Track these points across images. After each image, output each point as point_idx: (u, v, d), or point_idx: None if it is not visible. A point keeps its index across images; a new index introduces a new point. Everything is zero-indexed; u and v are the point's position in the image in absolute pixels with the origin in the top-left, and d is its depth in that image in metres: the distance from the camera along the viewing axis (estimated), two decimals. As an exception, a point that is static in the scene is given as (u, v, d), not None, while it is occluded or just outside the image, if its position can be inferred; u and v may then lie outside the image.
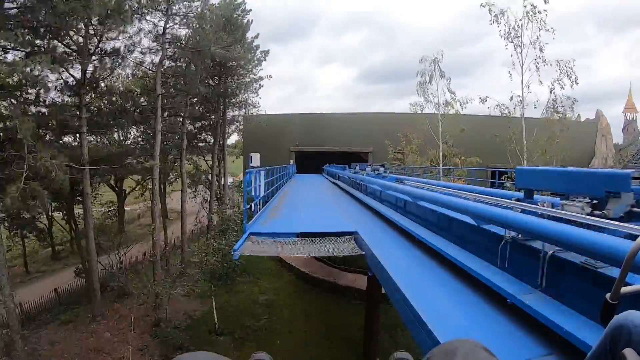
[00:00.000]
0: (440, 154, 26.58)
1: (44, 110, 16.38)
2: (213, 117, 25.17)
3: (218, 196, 31.99)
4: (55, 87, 16.53)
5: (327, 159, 38.98)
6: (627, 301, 1.23)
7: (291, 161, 33.84)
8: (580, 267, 3.05)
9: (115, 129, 23.77)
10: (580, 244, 2.70)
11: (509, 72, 20.15)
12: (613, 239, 2.54)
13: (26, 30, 12.97)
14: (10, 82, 13.54)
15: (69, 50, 15.78)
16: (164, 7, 18.02)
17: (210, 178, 29.38)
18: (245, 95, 27.43)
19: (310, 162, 41.68)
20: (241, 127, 33.68)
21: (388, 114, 37.91)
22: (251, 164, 33.08)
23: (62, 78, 16.64)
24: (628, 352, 0.97)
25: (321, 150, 37.66)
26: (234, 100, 26.16)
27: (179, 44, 19.90)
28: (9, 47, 12.79)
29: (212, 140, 27.20)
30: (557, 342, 2.84)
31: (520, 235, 3.79)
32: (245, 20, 25.10)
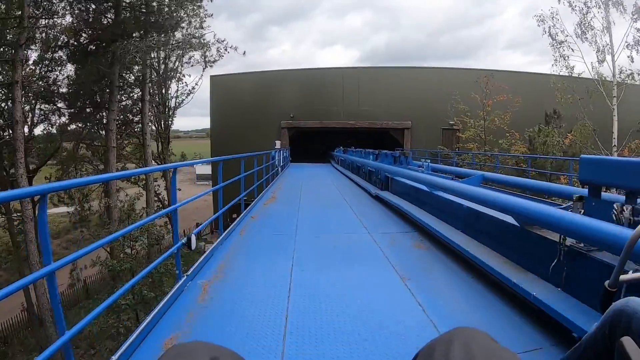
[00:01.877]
0: (615, 130, 13.52)
1: None
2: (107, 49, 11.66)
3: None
4: None
5: (336, 139, 26.34)
6: (625, 288, 1.31)
7: (277, 143, 20.65)
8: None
9: None
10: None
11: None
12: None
13: None
14: None
15: None
16: None
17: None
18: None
19: (311, 144, 28.85)
20: (196, 84, 20.23)
21: (441, 69, 24.68)
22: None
23: None
24: (626, 340, 0.91)
25: (328, 126, 24.48)
26: (153, 19, 12.54)
27: None
28: None
29: (107, 99, 13.71)
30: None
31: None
32: None
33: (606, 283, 1.25)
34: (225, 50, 16.24)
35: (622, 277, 1.24)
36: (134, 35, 11.82)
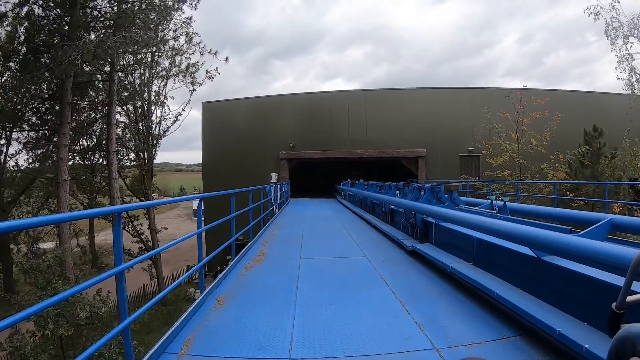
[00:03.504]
0: None
1: None
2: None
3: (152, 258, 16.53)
4: None
5: (342, 170, 23.91)
6: (633, 310, 1.18)
7: (273, 176, 18.07)
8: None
9: None
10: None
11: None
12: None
13: None
14: None
15: None
16: None
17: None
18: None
19: (313, 177, 26.39)
20: (182, 110, 17.83)
21: (457, 89, 22.51)
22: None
23: None
24: None
25: (332, 156, 21.98)
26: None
27: None
28: None
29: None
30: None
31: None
32: None
33: (613, 305, 1.21)
34: (202, 54, 14.03)
35: (629, 298, 1.20)
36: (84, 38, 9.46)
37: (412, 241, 6.37)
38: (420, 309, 3.68)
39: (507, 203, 4.85)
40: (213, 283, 4.39)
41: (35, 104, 12.22)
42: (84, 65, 11.56)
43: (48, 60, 9.28)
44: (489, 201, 5.08)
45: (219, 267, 8.27)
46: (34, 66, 9.63)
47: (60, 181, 10.42)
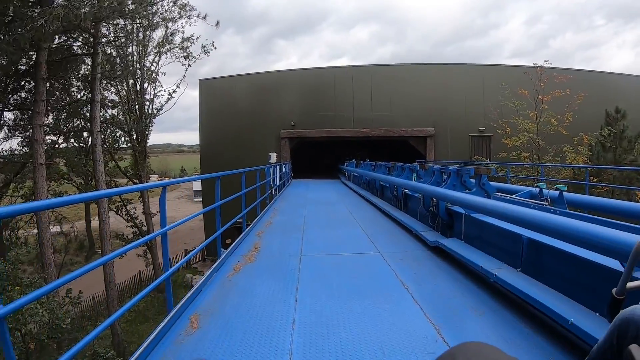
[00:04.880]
0: None
1: None
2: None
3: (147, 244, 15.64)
4: None
5: (346, 150, 23.00)
6: (633, 296, 1.15)
7: (272, 156, 17.05)
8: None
9: None
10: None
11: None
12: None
13: None
14: None
15: None
16: None
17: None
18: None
19: (316, 157, 25.55)
20: (177, 87, 16.58)
21: (469, 65, 21.22)
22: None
23: None
24: (634, 348, 0.90)
25: (336, 135, 20.85)
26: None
27: None
28: None
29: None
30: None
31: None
32: None
33: (613, 291, 1.19)
34: (189, 18, 12.89)
35: (630, 284, 1.18)
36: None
37: (434, 234, 5.39)
38: (462, 337, 2.71)
39: (563, 192, 3.80)
40: (188, 295, 3.42)
41: (8, 81, 11.15)
42: (65, 37, 10.46)
43: (20, 30, 8.19)
44: (537, 189, 4.05)
45: (228, 240, 7.32)
46: (1, 40, 8.52)
47: (36, 165, 9.38)
